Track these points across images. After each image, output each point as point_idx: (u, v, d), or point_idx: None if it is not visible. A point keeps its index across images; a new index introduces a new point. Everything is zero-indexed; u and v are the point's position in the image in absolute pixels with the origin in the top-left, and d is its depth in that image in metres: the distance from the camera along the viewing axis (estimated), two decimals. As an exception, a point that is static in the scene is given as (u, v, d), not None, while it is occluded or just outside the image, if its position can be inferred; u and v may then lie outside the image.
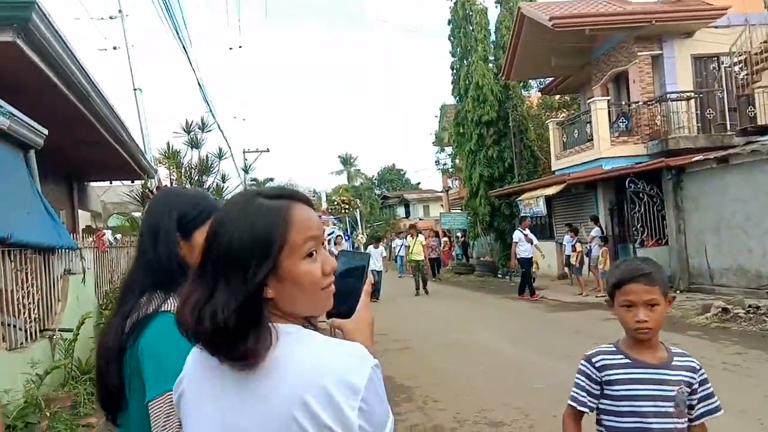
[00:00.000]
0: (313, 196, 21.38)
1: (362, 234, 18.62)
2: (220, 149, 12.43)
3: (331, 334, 1.06)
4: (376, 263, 14.74)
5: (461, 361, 7.78)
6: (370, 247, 16.19)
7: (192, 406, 1.05)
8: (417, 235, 16.94)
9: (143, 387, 1.37)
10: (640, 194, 12.86)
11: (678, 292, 12.12)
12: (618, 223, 14.77)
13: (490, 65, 21.21)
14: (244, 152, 32.23)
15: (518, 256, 13.67)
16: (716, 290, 11.34)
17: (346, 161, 54.61)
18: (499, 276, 19.55)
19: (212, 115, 14.71)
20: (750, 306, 8.96)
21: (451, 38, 22.06)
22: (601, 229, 13.68)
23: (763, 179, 10.45)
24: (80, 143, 8.58)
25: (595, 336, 8.74)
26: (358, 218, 19.62)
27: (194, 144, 11.80)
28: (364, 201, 38.29)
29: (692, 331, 8.61)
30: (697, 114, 14.23)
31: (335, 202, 18.37)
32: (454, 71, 22.41)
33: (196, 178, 11.61)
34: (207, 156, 11.79)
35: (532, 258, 13.77)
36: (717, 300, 9.89)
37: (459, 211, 26.68)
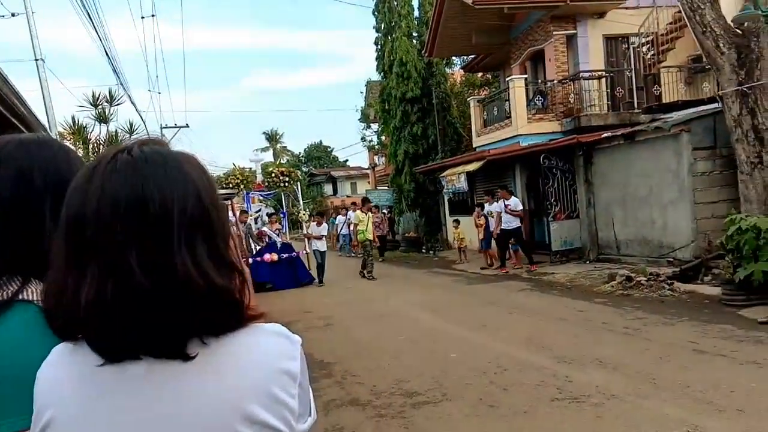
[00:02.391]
0: (250, 171, 19.64)
1: (304, 210, 16.72)
2: (131, 123, 11.85)
3: None
4: (318, 243, 14.02)
5: (382, 334, 7.90)
6: (312, 224, 14.71)
7: (82, 426, 0.79)
8: (368, 212, 15.16)
9: None
10: (554, 170, 13.37)
11: (588, 262, 12.79)
12: (534, 198, 15.33)
13: (414, 42, 21.28)
14: (161, 128, 30.92)
15: (502, 228, 13.05)
16: (623, 260, 12.03)
17: (272, 138, 53.53)
18: (424, 251, 19.89)
19: (123, 87, 13.97)
20: (651, 274, 9.57)
21: (375, 13, 21.92)
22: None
23: (665, 155, 11.10)
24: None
25: (509, 306, 9.12)
26: (299, 193, 17.65)
27: (102, 119, 11.17)
28: (291, 178, 37.73)
29: (598, 298, 9.12)
30: (607, 92, 14.88)
31: (272, 174, 16.33)
32: (379, 47, 22.32)
33: (106, 154, 11.05)
34: (116, 131, 11.19)
35: (520, 228, 13.15)
36: (622, 269, 10.51)
37: (386, 187, 26.83)
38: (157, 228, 0.77)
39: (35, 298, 1.02)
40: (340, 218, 22.89)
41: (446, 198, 19.62)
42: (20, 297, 1.01)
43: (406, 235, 22.24)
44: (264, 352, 0.82)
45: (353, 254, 21.13)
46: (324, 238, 14.37)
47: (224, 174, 16.92)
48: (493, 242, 13.93)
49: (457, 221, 16.47)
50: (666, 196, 11.10)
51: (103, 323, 0.76)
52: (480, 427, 4.35)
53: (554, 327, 7.45)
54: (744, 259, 7.60)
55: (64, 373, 0.81)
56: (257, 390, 0.79)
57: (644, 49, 14.61)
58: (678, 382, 4.91)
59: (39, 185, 1.11)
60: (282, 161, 49.07)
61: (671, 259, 10.67)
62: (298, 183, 17.25)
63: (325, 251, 14.04)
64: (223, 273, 0.81)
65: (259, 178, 17.96)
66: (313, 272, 13.97)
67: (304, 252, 14.37)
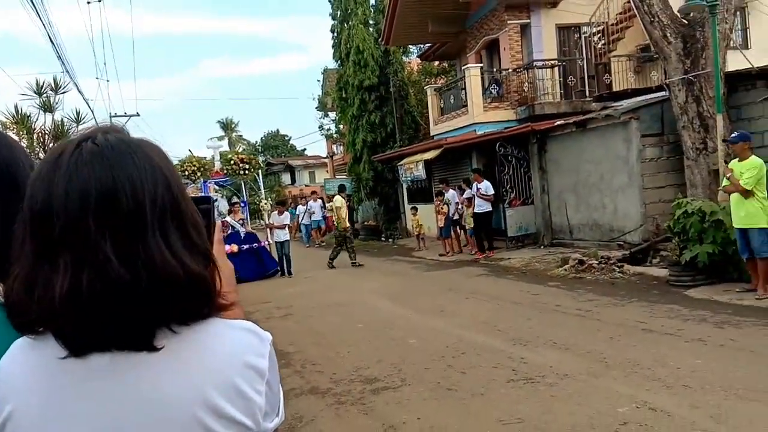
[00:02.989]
0: (207, 158, 18.36)
1: (266, 199, 16.10)
2: (78, 112, 11.42)
3: None
4: (280, 233, 13.50)
5: (341, 322, 7.91)
6: (274, 213, 14.11)
7: (36, 428, 0.77)
8: (348, 198, 14.96)
9: None
10: (509, 157, 13.59)
11: (542, 247, 13.09)
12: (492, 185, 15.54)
13: (371, 29, 21.19)
14: (110, 117, 29.95)
15: (475, 212, 12.89)
16: (575, 244, 12.35)
17: (227, 126, 52.57)
18: (383, 239, 19.96)
19: (69, 74, 13.46)
20: (602, 257, 9.86)
21: None
22: (462, 190, 14.28)
23: (615, 142, 11.42)
24: None
25: (466, 291, 9.25)
26: (260, 181, 16.91)
27: (47, 107, 10.73)
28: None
29: (552, 282, 9.35)
30: (560, 81, 15.18)
31: (231, 161, 15.31)
32: (335, 34, 22.15)
33: (50, 144, 10.62)
34: (62, 120, 10.78)
35: (491, 212, 12.95)
36: (575, 253, 10.79)
37: (344, 176, 26.74)
38: (131, 219, 0.76)
39: None
40: (300, 208, 22.60)
41: (404, 186, 19.70)
42: None
43: (366, 223, 22.27)
44: (231, 346, 0.81)
45: (316, 244, 20.96)
46: (286, 228, 13.93)
47: (180, 162, 15.54)
48: (462, 230, 14.13)
49: (415, 209, 16.56)
50: (616, 182, 11.43)
51: (79, 316, 0.75)
52: (438, 409, 4.41)
53: (510, 311, 7.61)
54: (690, 241, 7.91)
55: (24, 366, 0.79)
56: (221, 381, 0.78)
57: (595, 38, 14.95)
58: (628, 360, 5.09)
59: None
60: (238, 150, 48.29)
61: (621, 243, 11.01)
62: (259, 171, 16.56)
63: (287, 240, 13.61)
64: (198, 260, 0.80)
65: (218, 165, 16.84)
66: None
67: (267, 243, 14.00)
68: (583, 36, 15.30)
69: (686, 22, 9.65)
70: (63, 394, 0.77)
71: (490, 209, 12.91)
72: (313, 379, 5.44)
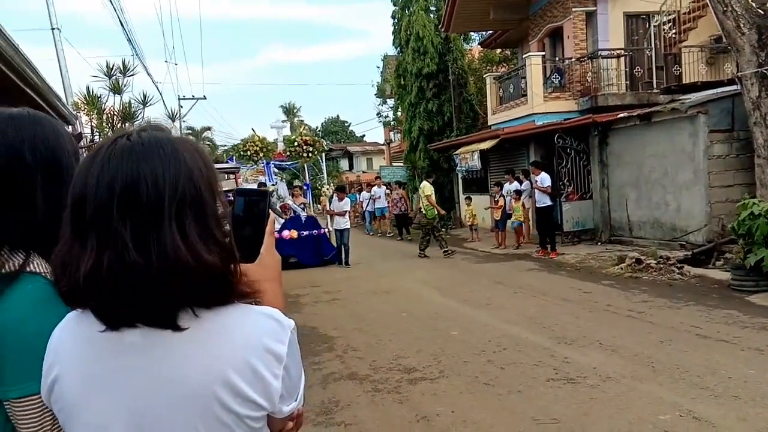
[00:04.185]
0: (274, 139, 17.84)
1: (328, 184, 15.25)
2: (145, 95, 11.87)
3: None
4: (340, 220, 12.73)
5: (386, 309, 7.95)
6: (334, 200, 13.28)
7: (78, 394, 0.89)
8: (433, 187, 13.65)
9: None
10: (568, 149, 13.20)
11: (599, 243, 12.70)
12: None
13: (432, 16, 20.97)
14: (179, 99, 31.05)
15: (537, 207, 12.36)
16: (635, 242, 11.92)
17: (290, 111, 53.44)
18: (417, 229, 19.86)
19: (138, 57, 14.00)
20: (661, 257, 9.47)
21: (393, -15, 21.63)
22: (519, 181, 13.93)
23: (681, 136, 10.90)
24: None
25: (515, 285, 9.11)
26: (323, 164, 16.19)
27: (116, 89, 11.22)
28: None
29: (606, 280, 9.06)
30: (626, 71, 14.56)
31: (295, 144, 14.51)
32: (396, 21, 22.06)
33: (119, 125, 11.11)
34: (130, 102, 11.25)
35: (552, 206, 12.17)
36: (633, 251, 10.41)
37: (401, 164, 26.73)
38: (150, 208, 0.84)
39: (41, 270, 1.08)
40: (364, 194, 21.47)
41: (459, 176, 19.48)
42: (27, 269, 1.08)
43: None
44: (251, 329, 0.88)
45: (380, 233, 20.21)
46: (347, 215, 13.05)
47: (242, 141, 15.12)
48: (509, 223, 13.78)
49: (469, 198, 16.39)
50: (680, 179, 10.93)
51: (100, 293, 0.84)
52: (473, 403, 4.39)
53: (558, 308, 7.44)
54: (755, 244, 7.49)
55: (71, 336, 0.91)
56: (239, 362, 0.85)
57: (665, 27, 14.25)
58: (676, 366, 4.89)
59: (29, 161, 1.14)
60: (302, 131, 48.95)
61: (683, 243, 10.54)
62: (323, 154, 15.67)
63: (348, 229, 12.76)
64: (213, 250, 0.86)
65: (280, 146, 16.52)
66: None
67: (327, 230, 13.36)
68: (652, 25, 14.60)
69: (762, 12, 9.04)
70: (101, 364, 0.88)
71: (551, 203, 12.16)
72: (353, 365, 5.51)
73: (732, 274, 7.96)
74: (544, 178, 12.21)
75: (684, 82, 13.57)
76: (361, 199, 21.89)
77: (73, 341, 0.90)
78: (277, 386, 0.88)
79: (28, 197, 1.13)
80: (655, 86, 14.00)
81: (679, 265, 9.11)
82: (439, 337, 6.32)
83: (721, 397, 4.20)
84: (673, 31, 14.28)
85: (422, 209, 13.42)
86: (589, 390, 4.49)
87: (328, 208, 13.91)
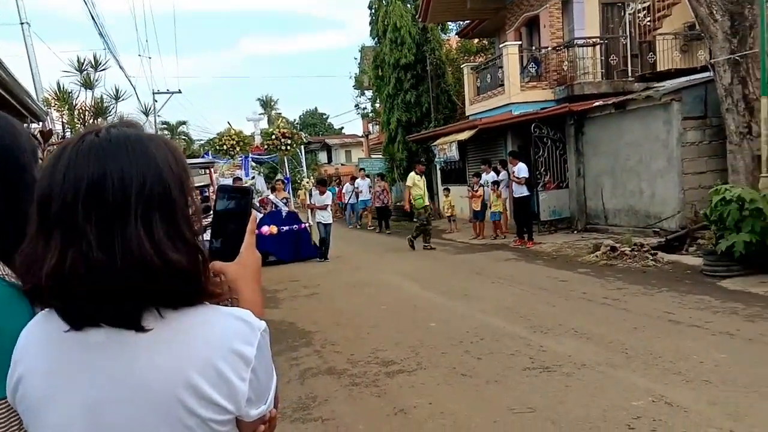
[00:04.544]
0: (251, 133, 17.20)
1: (308, 177, 14.93)
2: (117, 89, 11.67)
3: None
4: (322, 214, 12.51)
5: (365, 302, 7.95)
6: (315, 193, 12.98)
7: (41, 394, 0.87)
8: (422, 175, 13.22)
9: None
10: (545, 139, 13.29)
11: (575, 232, 12.83)
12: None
13: (409, 6, 20.89)
14: (153, 93, 30.63)
15: (515, 197, 12.38)
16: (610, 230, 12.07)
17: (267, 104, 52.96)
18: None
19: (110, 51, 13.74)
20: (635, 244, 9.60)
21: (369, -25, 21.49)
22: (497, 171, 13.97)
23: (656, 124, 11.03)
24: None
25: (493, 276, 9.16)
26: (302, 157, 15.68)
27: (87, 84, 11.00)
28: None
29: (582, 268, 9.17)
30: (601, 60, 14.67)
31: (273, 137, 14.06)
32: (373, 11, 21.94)
33: (90, 120, 10.90)
34: (102, 97, 11.04)
35: (529, 196, 12.23)
36: (608, 239, 10.54)
37: (379, 156, 26.67)
38: (115, 207, 0.82)
39: (1, 273, 1.03)
40: (347, 187, 21.15)
41: (438, 167, 19.49)
42: None
43: (398, 204, 22.19)
44: (218, 331, 0.86)
45: (359, 225, 20.02)
46: (329, 208, 12.85)
47: (218, 135, 14.55)
48: (487, 214, 13.85)
49: (447, 190, 16.43)
50: (655, 166, 11.07)
51: (63, 292, 0.82)
52: (451, 395, 4.41)
53: (535, 297, 7.51)
54: (727, 230, 7.62)
55: (37, 335, 0.89)
56: (204, 364, 0.84)
57: (640, 15, 14.38)
58: (650, 352, 4.96)
59: None
60: (280, 125, 48.51)
61: (657, 230, 10.70)
62: (302, 146, 15.27)
63: (330, 223, 12.60)
64: (180, 249, 0.84)
65: (258, 140, 15.65)
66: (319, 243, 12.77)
67: (308, 224, 13.04)
68: (627, 13, 14.72)
69: (734, -1, 9.16)
70: (65, 364, 0.86)
71: (527, 193, 12.18)
72: (331, 360, 5.50)
73: (704, 260, 8.10)
74: (520, 168, 12.23)
75: (658, 69, 13.73)
76: (343, 191, 21.52)
77: (39, 340, 0.89)
78: (244, 389, 0.86)
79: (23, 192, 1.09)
80: (630, 74, 14.15)
81: (653, 251, 9.25)
82: (417, 329, 6.34)
83: (692, 381, 4.27)
84: (648, 18, 14.42)
85: (412, 201, 13.15)
86: (565, 378, 4.54)
87: (308, 203, 13.64)
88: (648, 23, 14.41)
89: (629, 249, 9.48)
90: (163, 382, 0.83)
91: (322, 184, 13.61)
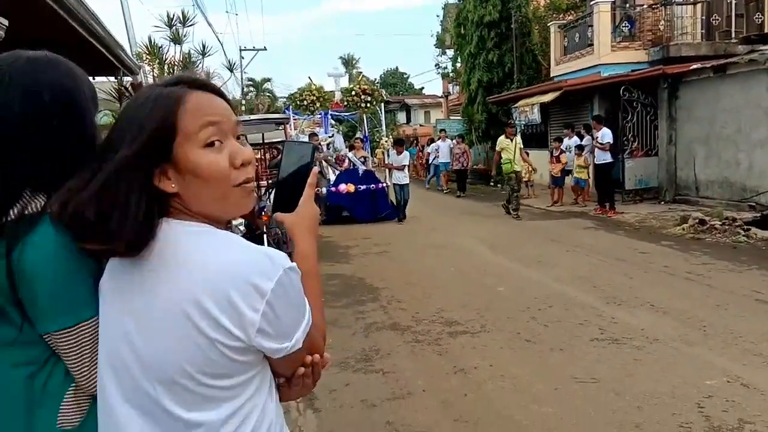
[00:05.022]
0: (333, 88, 16.86)
1: (387, 136, 14.46)
2: (204, 45, 12.03)
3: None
4: (398, 175, 12.28)
5: (435, 264, 7.96)
6: (392, 153, 12.70)
7: (104, 304, 1.01)
8: (514, 137, 12.16)
9: (17, 321, 1.07)
10: (634, 103, 12.56)
11: (663, 203, 12.18)
12: (613, 133, 14.53)
13: (495, -39, 20.03)
14: (240, 50, 31.37)
15: (596, 164, 11.92)
16: (701, 202, 11.36)
17: (348, 63, 53.04)
18: (492, 184, 19.54)
19: (198, 7, 14.12)
20: (727, 218, 9.00)
21: (455, -70, 20.74)
22: (580, 136, 13.39)
23: (758, 90, 10.15)
24: (52, 38, 8.34)
25: (569, 244, 8.90)
26: (382, 115, 14.85)
27: (176, 39, 11.42)
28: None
29: (666, 240, 8.71)
30: (702, 19, 13.59)
31: (353, 93, 13.67)
32: (457, -34, 21.26)
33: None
34: (189, 52, 11.43)
35: (612, 163, 11.61)
36: (698, 212, 9.93)
37: (458, 117, 26.22)
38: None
39: None
40: (432, 146, 20.31)
41: (518, 130, 18.90)
42: (49, 210, 1.07)
43: (475, 167, 21.84)
44: (237, 263, 0.92)
45: (443, 189, 19.15)
46: (405, 169, 12.55)
47: (299, 90, 14.28)
48: (568, 179, 13.41)
49: (526, 154, 15.94)
50: (755, 136, 10.25)
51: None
52: (513, 359, 4.38)
53: (612, 267, 7.24)
54: (832, 207, 6.99)
55: (113, 260, 1.01)
56: (216, 289, 0.89)
57: (751, -30, 13.12)
58: (730, 331, 4.70)
59: (47, 103, 1.15)
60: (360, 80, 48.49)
61: (753, 204, 9.97)
62: (381, 105, 14.74)
63: (407, 184, 12.32)
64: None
65: (338, 96, 15.23)
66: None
67: (385, 184, 12.74)
68: (735, -32, 13.47)
69: None
70: (114, 283, 0.99)
71: (611, 160, 11.58)
72: (396, 316, 5.58)
73: (804, 239, 7.49)
74: (604, 134, 11.64)
75: (766, 31, 12.54)
76: (429, 151, 20.69)
77: (111, 263, 1.01)
78: (254, 319, 0.90)
79: (46, 139, 1.14)
80: (733, 36, 13.02)
81: (746, 227, 8.64)
82: (485, 292, 6.30)
83: (774, 365, 4.02)
84: (758, -26, 13.14)
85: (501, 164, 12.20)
86: (635, 351, 4.39)
87: (385, 162, 13.41)
88: (759, -22, 13.14)
89: (720, 223, 8.90)
90: (175, 298, 0.90)
91: (400, 144, 13.36)
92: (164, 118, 0.93)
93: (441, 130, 20.62)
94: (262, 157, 9.45)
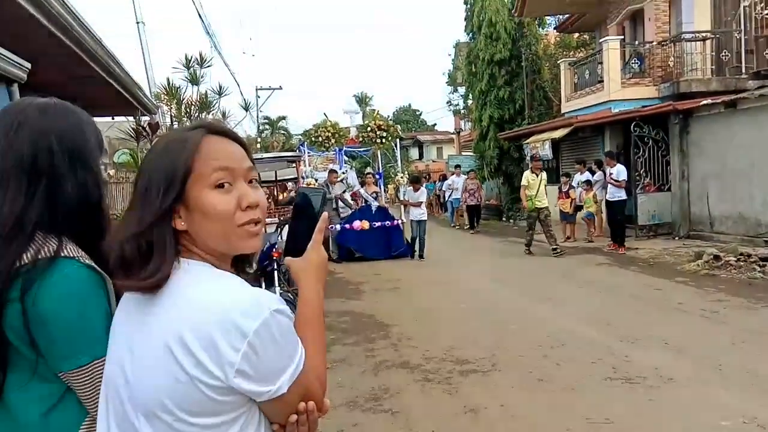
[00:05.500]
0: (348, 122, 16.79)
1: (402, 173, 14.28)
2: (220, 86, 12.33)
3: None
4: (417, 211, 12.05)
5: (445, 300, 7.92)
6: (408, 190, 12.61)
7: (113, 336, 1.06)
8: (540, 173, 11.83)
9: (31, 358, 1.12)
10: (645, 138, 12.58)
11: (677, 238, 12.07)
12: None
13: (505, 0, 20.46)
14: (256, 89, 32.02)
15: (607, 200, 11.83)
16: (715, 237, 11.25)
17: (362, 101, 53.83)
18: (504, 220, 19.52)
19: (216, 48, 14.50)
20: (742, 254, 8.89)
21: (465, -30, 21.25)
22: (591, 172, 13.37)
23: (770, 125, 10.14)
24: (73, 79, 8.58)
25: (581, 280, 8.83)
26: (398, 151, 14.70)
27: (194, 80, 11.71)
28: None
29: (680, 277, 8.61)
30: (712, 55, 13.66)
31: (368, 128, 13.67)
32: (468, 6, 21.69)
33: (196, 114, 11.59)
34: (206, 92, 11.70)
35: (626, 200, 11.55)
36: (712, 247, 9.82)
37: (470, 153, 26.38)
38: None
39: (75, 255, 1.16)
40: (447, 182, 20.14)
41: (530, 165, 18.94)
42: (62, 254, 1.14)
43: (487, 202, 21.87)
44: (223, 301, 0.94)
45: (456, 225, 19.04)
46: (423, 205, 12.34)
47: (314, 126, 13.97)
48: (578, 215, 13.37)
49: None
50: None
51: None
52: (524, 399, 4.31)
53: (625, 304, 7.16)
54: None
55: (126, 296, 1.07)
56: (199, 326, 0.91)
57: (758, 8, 13.23)
58: (747, 370, 4.60)
59: (55, 148, 1.22)
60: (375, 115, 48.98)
61: (769, 239, 9.85)
62: (397, 140, 14.56)
63: (424, 221, 12.04)
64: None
65: (353, 132, 14.93)
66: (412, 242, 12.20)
67: (401, 221, 12.55)
68: (743, 5, 13.59)
69: None
70: (122, 314, 1.05)
71: (624, 197, 11.49)
72: (406, 354, 5.53)
73: (822, 275, 7.37)
74: (620, 171, 11.51)
75: (777, 66, 12.58)
76: (444, 189, 20.35)
77: (124, 298, 1.07)
78: (233, 359, 0.90)
79: (56, 183, 1.20)
80: (743, 71, 13.07)
81: (761, 263, 8.51)
82: (496, 330, 6.24)
83: (793, 406, 3.92)
84: (766, 11, 13.24)
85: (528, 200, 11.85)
86: (648, 391, 4.30)
87: (400, 198, 13.28)
88: (766, 16, 13.24)
89: (735, 259, 8.79)
90: (161, 332, 0.93)
91: (416, 181, 13.25)
92: (185, 163, 1.00)
93: (456, 166, 20.49)
94: (274, 194, 9.57)
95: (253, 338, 0.91)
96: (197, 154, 1.01)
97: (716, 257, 9.00)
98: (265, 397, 0.95)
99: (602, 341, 5.60)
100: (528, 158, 17.70)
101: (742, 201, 10.83)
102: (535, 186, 11.57)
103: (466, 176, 18.31)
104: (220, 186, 1.01)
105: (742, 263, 8.63)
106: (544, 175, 11.88)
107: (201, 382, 0.91)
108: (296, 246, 1.17)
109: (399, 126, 16.46)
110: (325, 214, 1.19)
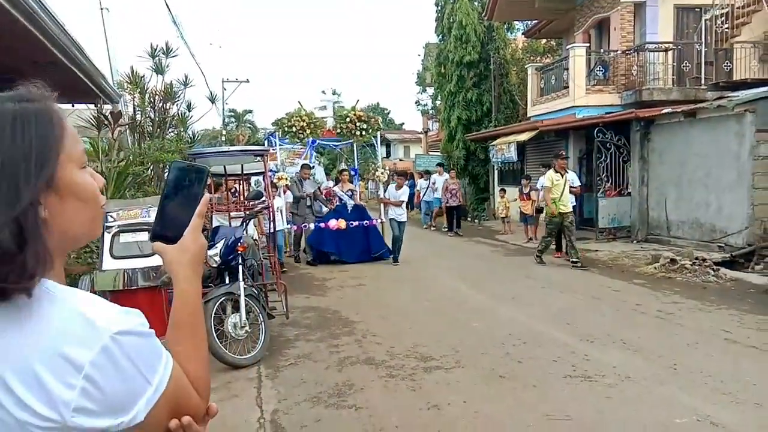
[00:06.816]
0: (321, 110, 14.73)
1: (381, 169, 13.24)
2: (186, 76, 12.06)
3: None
4: (397, 211, 11.24)
5: (410, 298, 7.96)
6: (390, 187, 11.83)
7: None
8: (565, 173, 10.43)
9: None
10: (608, 144, 12.89)
11: (635, 242, 12.40)
12: (586, 173, 14.85)
13: (476, 3, 20.67)
14: (223, 82, 31.54)
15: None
16: (672, 242, 11.59)
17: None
18: (469, 220, 19.72)
19: (182, 39, 14.20)
20: (697, 258, 9.19)
21: (437, -28, 21.38)
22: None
23: (726, 135, 10.51)
24: (35, 64, 8.31)
25: (543, 280, 8.98)
26: (377, 145, 13.36)
27: (159, 70, 11.44)
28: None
29: (638, 279, 8.85)
30: (673, 66, 14.08)
31: (347, 120, 12.40)
32: (439, 8, 21.83)
33: (159, 105, 11.33)
34: (171, 83, 11.44)
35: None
36: (669, 251, 10.12)
37: (437, 153, 26.56)
38: None
39: None
40: (422, 182, 18.97)
41: (495, 167, 19.21)
42: None
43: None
44: (46, 330, 0.77)
45: (433, 227, 17.82)
46: (403, 205, 11.55)
47: (287, 115, 12.85)
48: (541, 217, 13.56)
49: (503, 190, 16.19)
50: (724, 179, 10.55)
51: None
52: (487, 396, 4.37)
53: (585, 305, 7.32)
54: (797, 250, 7.19)
55: None
56: (19, 362, 0.75)
57: (718, 21, 13.69)
58: (700, 370, 4.76)
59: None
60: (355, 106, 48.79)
61: (722, 245, 10.21)
62: (378, 132, 13.12)
63: (404, 222, 11.22)
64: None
65: (330, 123, 13.49)
66: (389, 242, 11.38)
67: (379, 221, 11.80)
68: (704, 18, 14.04)
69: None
70: None
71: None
72: (371, 350, 5.54)
73: (771, 280, 7.68)
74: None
75: (734, 78, 13.05)
76: (418, 188, 19.19)
77: None
78: (68, 397, 0.75)
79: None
80: (703, 82, 13.51)
81: (715, 267, 8.83)
82: (460, 328, 6.30)
83: (743, 404, 4.07)
84: (726, 25, 13.70)
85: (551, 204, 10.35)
86: (606, 389, 4.41)
87: (381, 196, 12.40)
88: (726, 30, 13.71)
89: (690, 263, 9.08)
90: None
91: (401, 176, 12.29)
92: (58, 139, 0.85)
93: (438, 164, 19.27)
94: (241, 188, 9.44)
95: (90, 370, 0.75)
96: (65, 130, 0.86)
97: (672, 260, 9.28)
98: (120, 428, 0.79)
99: (563, 340, 5.71)
100: (493, 159, 17.93)
101: (699, 207, 11.19)
102: (560, 188, 10.16)
103: (446, 175, 17.57)
104: (83, 167, 0.89)
105: (697, 267, 8.92)
106: (570, 175, 10.56)
107: (32, 425, 0.75)
108: (168, 230, 0.98)
109: (380, 118, 15.39)
110: (206, 196, 1.02)
